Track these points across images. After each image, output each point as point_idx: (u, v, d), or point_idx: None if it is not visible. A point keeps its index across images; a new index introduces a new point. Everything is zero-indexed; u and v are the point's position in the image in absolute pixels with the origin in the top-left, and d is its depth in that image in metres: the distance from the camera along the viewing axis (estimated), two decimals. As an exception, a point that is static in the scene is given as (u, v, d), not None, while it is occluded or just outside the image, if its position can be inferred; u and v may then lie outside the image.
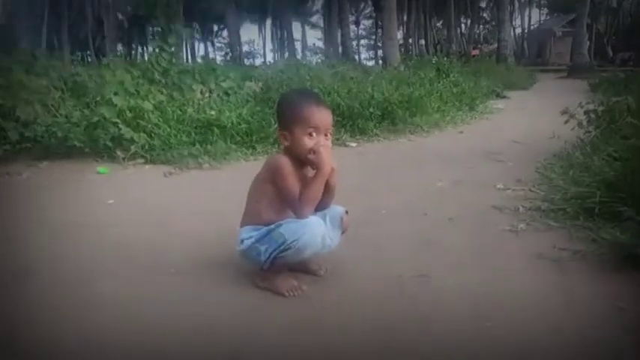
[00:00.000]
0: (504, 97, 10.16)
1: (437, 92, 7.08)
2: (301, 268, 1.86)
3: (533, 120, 6.64)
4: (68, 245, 2.24)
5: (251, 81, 6.83)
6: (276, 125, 4.35)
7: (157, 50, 5.55)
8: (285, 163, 1.68)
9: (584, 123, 3.94)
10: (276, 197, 1.71)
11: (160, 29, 6.72)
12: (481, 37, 40.95)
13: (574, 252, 2.05)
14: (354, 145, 4.92)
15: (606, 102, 4.08)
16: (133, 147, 4.02)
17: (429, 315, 1.60)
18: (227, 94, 5.58)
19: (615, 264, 1.91)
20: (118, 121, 4.04)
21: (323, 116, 1.71)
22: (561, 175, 3.19)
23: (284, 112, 1.75)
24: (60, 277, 1.90)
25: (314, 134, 1.68)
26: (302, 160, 1.72)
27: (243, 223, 1.78)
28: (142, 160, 4.01)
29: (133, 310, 1.64)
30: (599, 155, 3.09)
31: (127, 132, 4.00)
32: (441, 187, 3.24)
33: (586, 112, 3.95)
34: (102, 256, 2.12)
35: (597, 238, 2.12)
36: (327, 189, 1.73)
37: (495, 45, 24.82)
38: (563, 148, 3.98)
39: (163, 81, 5.20)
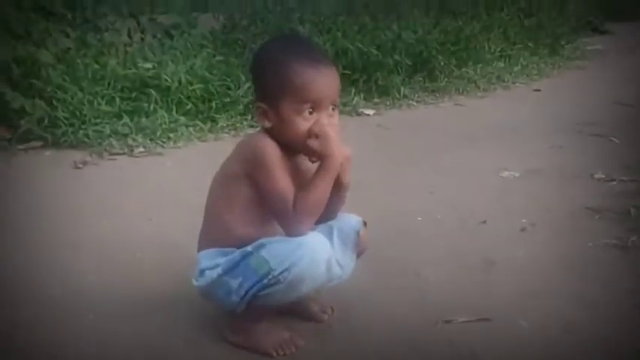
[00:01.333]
0: (605, 31, 10.16)
1: (499, 27, 7.07)
2: (295, 311, 1.89)
3: (651, 69, 6.67)
4: None
5: (206, 12, 6.81)
6: (247, 86, 4.44)
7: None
8: (270, 148, 1.68)
9: None
10: (254, 203, 1.72)
11: None
12: None
13: None
14: (370, 112, 4.95)
15: None
16: (24, 122, 4.02)
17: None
18: (169, 35, 5.57)
19: None
20: (-1, 81, 4.04)
21: (327, 82, 1.71)
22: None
23: (264, 75, 1.73)
24: None
25: (313, 111, 1.69)
26: (293, 147, 1.74)
27: (203, 245, 1.80)
28: (40, 143, 4.01)
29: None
30: None
31: (14, 98, 3.99)
32: (508, 179, 3.28)
33: None
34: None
35: None
36: (337, 189, 1.74)
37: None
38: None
39: (69, 15, 5.18)
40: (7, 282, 2.23)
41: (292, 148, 1.73)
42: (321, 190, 1.68)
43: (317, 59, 1.73)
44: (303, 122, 1.67)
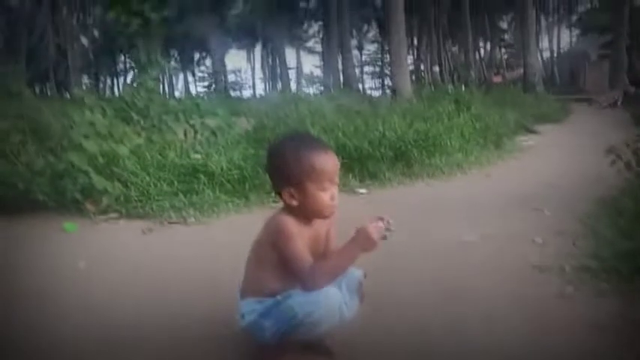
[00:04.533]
0: (534, 132, 10.33)
1: (457, 128, 7.19)
2: (313, 344, 1.85)
3: (570, 159, 6.74)
4: (29, 317, 2.23)
5: (241, 117, 6.97)
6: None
7: (134, 84, 5.70)
8: (289, 224, 1.69)
9: (633, 163, 4.00)
10: (280, 264, 1.71)
11: (137, 59, 6.91)
12: (503, 61, 41.99)
13: (634, 321, 2.06)
14: (363, 191, 4.98)
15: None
16: (105, 199, 4.06)
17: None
18: (214, 134, 5.68)
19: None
20: (88, 169, 4.09)
21: (335, 164, 1.75)
22: (609, 226, 3.22)
23: (287, 165, 1.71)
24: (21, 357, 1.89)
25: (329, 185, 1.71)
26: (317, 216, 1.75)
27: (244, 295, 1.79)
28: (116, 215, 4.04)
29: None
30: (653, 202, 3.14)
31: (99, 181, 4.04)
32: (469, 243, 3.26)
33: (635, 151, 4.02)
34: (71, 333, 2.11)
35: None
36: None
37: (519, 70, 25.45)
38: (607, 194, 4.03)
39: (142, 121, 5.30)
40: (89, 319, 2.21)
41: (313, 216, 1.75)
42: (345, 263, 1.67)
43: (325, 148, 1.76)
44: (324, 195, 1.70)
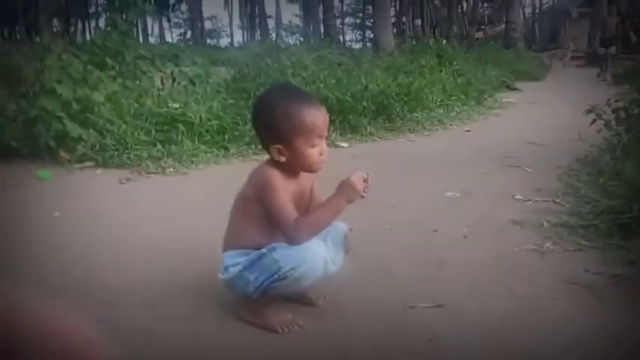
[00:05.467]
0: (515, 89, 10.34)
1: (439, 83, 7.16)
2: (295, 297, 1.85)
3: (551, 117, 6.78)
4: (4, 267, 2.18)
5: (219, 66, 6.80)
6: (252, 132, 4.43)
7: (108, 28, 5.48)
8: (274, 177, 1.65)
9: (613, 123, 4.03)
10: (265, 217, 1.68)
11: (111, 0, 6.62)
12: (485, 17, 41.59)
13: (610, 276, 2.10)
14: (345, 145, 4.94)
15: (639, 98, 4.18)
16: (80, 147, 3.95)
17: (447, 355, 1.61)
18: (193, 82, 5.54)
19: (658, 291, 1.96)
20: (62, 114, 3.96)
21: (324, 119, 1.69)
22: (589, 183, 3.26)
23: (275, 120, 1.64)
24: None
25: (318, 141, 1.67)
26: (305, 171, 1.72)
27: (227, 247, 1.76)
28: (92, 164, 3.95)
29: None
30: (633, 160, 3.17)
31: (73, 129, 3.92)
32: (451, 198, 3.27)
33: (615, 110, 4.04)
34: (47, 281, 2.07)
35: (636, 259, 2.17)
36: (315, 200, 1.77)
37: (501, 27, 25.22)
38: (588, 151, 4.07)
39: (117, 67, 5.13)
40: (72, 270, 2.16)
41: (301, 171, 1.72)
42: (329, 216, 1.65)
43: (316, 103, 1.71)
44: (313, 151, 1.66)
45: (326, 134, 1.72)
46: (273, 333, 1.70)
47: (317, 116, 1.65)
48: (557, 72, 15.16)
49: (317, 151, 1.67)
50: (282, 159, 1.66)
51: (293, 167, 1.69)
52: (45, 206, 3.03)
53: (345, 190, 1.62)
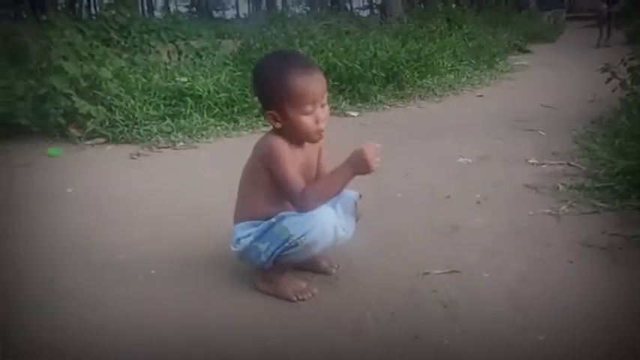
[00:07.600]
0: (527, 51, 10.15)
1: (449, 48, 7.04)
2: (308, 266, 1.85)
3: (564, 79, 6.66)
4: (20, 244, 2.20)
5: (226, 39, 6.73)
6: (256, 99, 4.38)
7: (112, 2, 5.42)
8: (280, 146, 1.64)
9: (629, 82, 3.93)
10: (273, 187, 1.67)
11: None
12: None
13: (627, 238, 2.07)
14: (354, 114, 4.89)
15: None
16: (90, 123, 3.95)
17: (463, 319, 1.60)
18: (199, 55, 5.49)
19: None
20: (70, 92, 3.95)
21: (318, 85, 1.64)
22: (605, 145, 3.20)
23: (269, 86, 1.63)
24: (14, 280, 1.87)
25: (312, 109, 1.63)
26: (301, 139, 1.69)
27: (238, 219, 1.75)
28: (103, 140, 3.95)
29: (104, 323, 1.62)
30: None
31: (82, 105, 3.91)
32: (464, 164, 3.23)
33: (630, 69, 3.94)
34: (63, 256, 2.08)
35: (654, 220, 2.14)
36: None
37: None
38: (603, 113, 3.99)
39: (122, 42, 5.09)
40: (85, 245, 2.18)
41: (300, 140, 1.70)
42: (337, 185, 1.64)
43: (308, 67, 1.66)
44: (307, 118, 1.63)
45: (324, 102, 1.67)
46: (288, 302, 1.70)
47: (309, 82, 1.61)
48: (571, 33, 14.81)
49: (311, 119, 1.63)
50: (278, 125, 1.65)
51: (291, 136, 1.67)
52: (57, 183, 3.04)
53: (355, 161, 1.59)
